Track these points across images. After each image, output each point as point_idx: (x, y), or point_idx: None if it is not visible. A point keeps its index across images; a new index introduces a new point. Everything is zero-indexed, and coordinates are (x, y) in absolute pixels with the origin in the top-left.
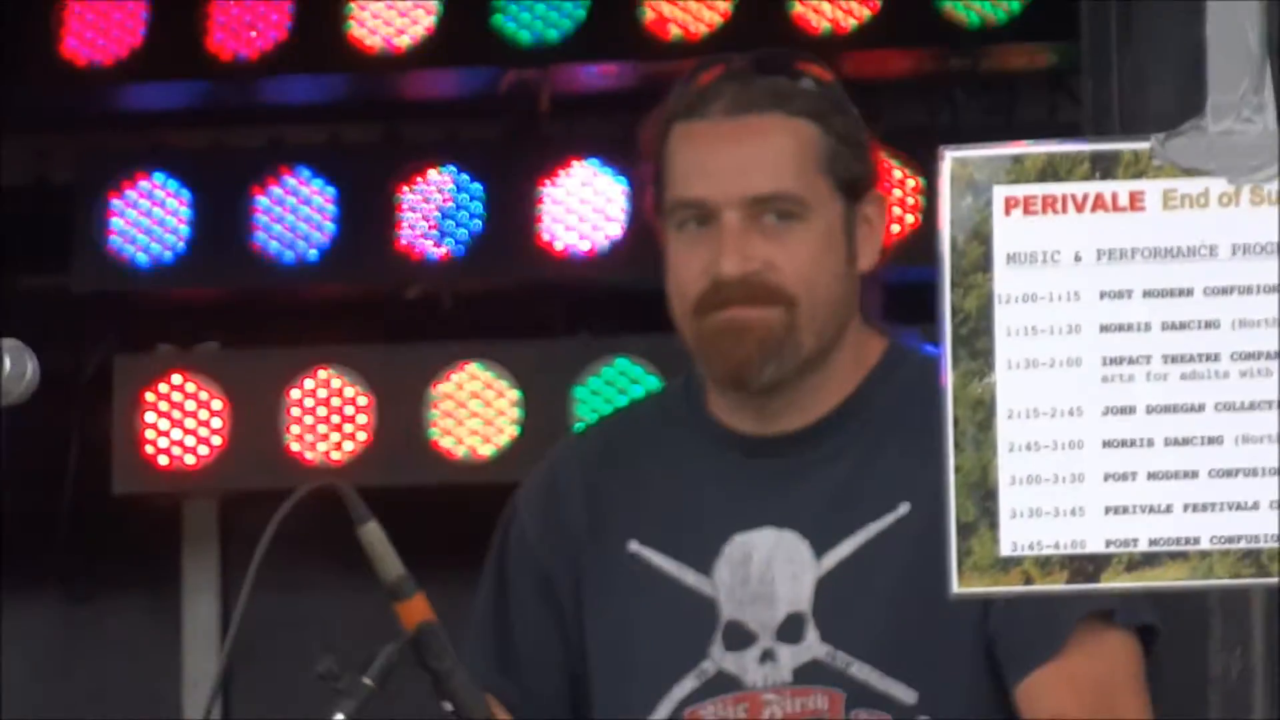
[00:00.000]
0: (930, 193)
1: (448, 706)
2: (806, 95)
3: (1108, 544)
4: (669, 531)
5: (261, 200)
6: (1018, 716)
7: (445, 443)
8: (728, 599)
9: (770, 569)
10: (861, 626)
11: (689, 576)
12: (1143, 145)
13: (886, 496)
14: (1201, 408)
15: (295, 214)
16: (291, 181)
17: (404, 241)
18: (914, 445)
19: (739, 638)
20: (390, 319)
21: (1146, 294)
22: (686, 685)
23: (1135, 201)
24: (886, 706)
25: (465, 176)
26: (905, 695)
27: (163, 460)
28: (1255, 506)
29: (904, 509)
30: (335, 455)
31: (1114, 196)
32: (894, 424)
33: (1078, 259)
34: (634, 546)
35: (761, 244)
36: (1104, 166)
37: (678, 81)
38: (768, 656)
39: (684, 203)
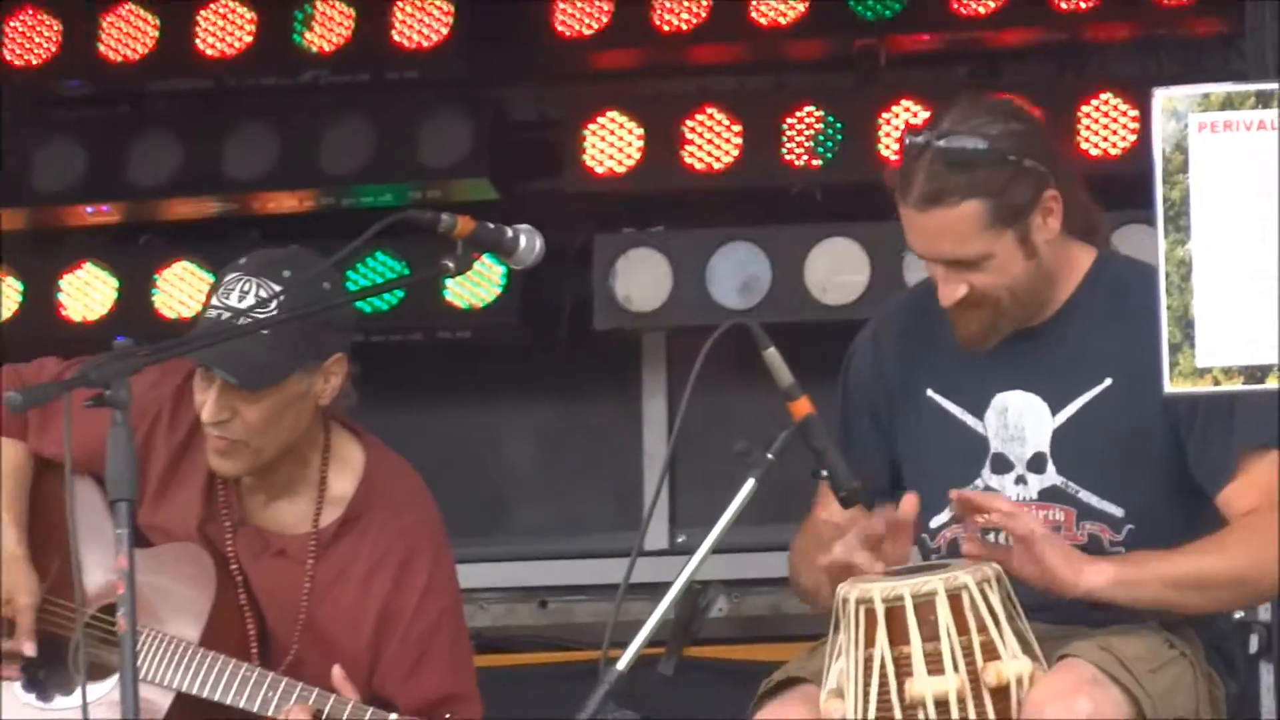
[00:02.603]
0: (1144, 120)
1: (824, 474)
2: (977, 170)
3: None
4: (956, 385)
5: (690, 130)
6: (1207, 522)
7: (817, 291)
8: (994, 437)
9: (1021, 419)
10: (1085, 464)
11: (969, 419)
12: None
13: (1096, 372)
14: None
15: (712, 137)
16: (709, 116)
17: (788, 156)
18: (1115, 333)
19: (1001, 465)
20: (781, 207)
21: None
22: None
23: None
24: (1104, 520)
25: (828, 111)
26: (1116, 511)
27: (628, 305)
28: None
29: (1108, 382)
30: (744, 303)
31: (1273, 121)
32: (1100, 317)
33: (1248, 164)
34: (931, 392)
35: (965, 275)
36: (1264, 99)
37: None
38: (1020, 480)
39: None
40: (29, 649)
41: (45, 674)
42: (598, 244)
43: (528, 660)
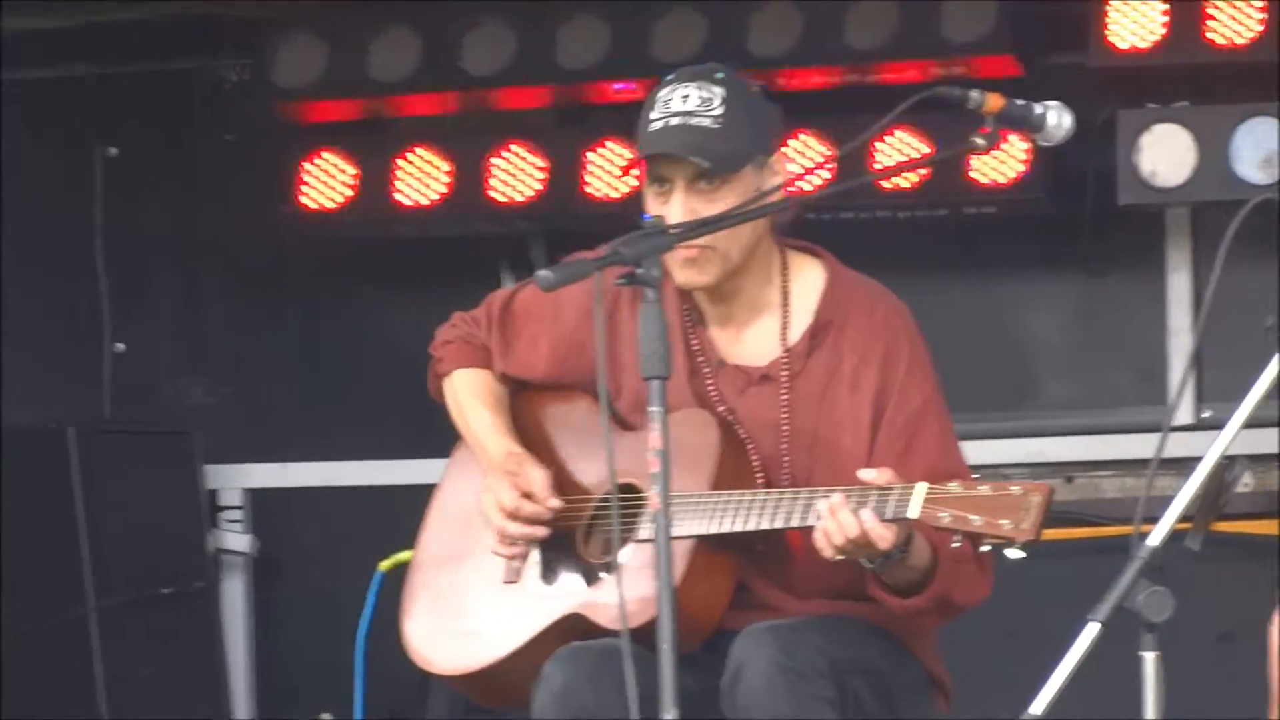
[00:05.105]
0: None
1: None
2: None
3: None
4: None
5: (1213, 5)
6: None
7: None
8: None
9: None
10: None
11: None
12: None
13: None
14: None
15: (1235, 13)
16: None
17: None
18: None
19: None
20: None
21: None
22: None
23: None
24: None
25: None
26: None
27: (1152, 180)
28: None
29: None
30: (1267, 178)
31: None
32: None
33: None
34: None
35: None
36: None
37: None
38: None
39: None
40: (555, 501)
41: (544, 567)
42: (1121, 119)
43: (1054, 535)
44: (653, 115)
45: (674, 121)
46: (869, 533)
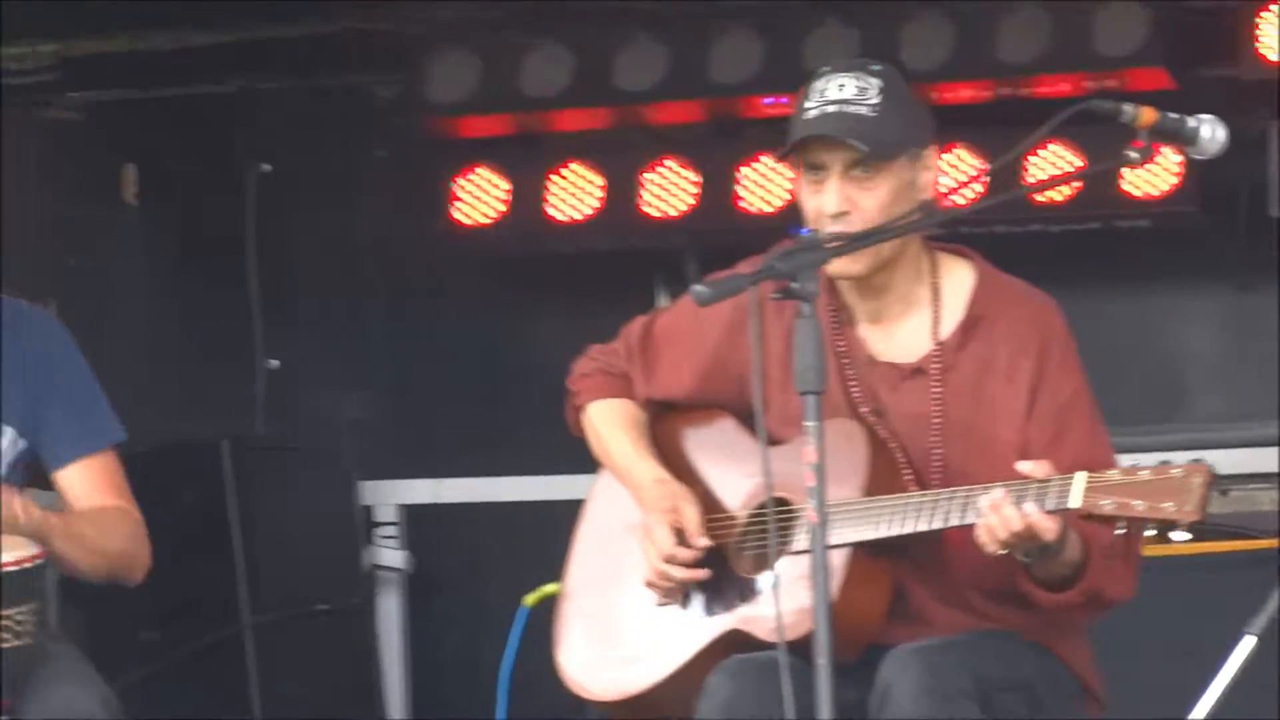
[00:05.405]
0: None
1: None
2: None
3: None
4: None
5: None
6: None
7: None
8: None
9: None
10: None
11: None
12: None
13: None
14: None
15: None
16: None
17: None
18: None
19: None
20: None
21: None
22: None
23: None
24: None
25: None
26: None
27: None
28: None
29: None
30: None
31: None
32: None
33: None
34: None
35: None
36: None
37: None
38: None
39: None
40: (703, 540)
41: (697, 586)
42: (1274, 132)
43: (1209, 548)
44: (808, 104)
45: (830, 109)
46: (1033, 525)
